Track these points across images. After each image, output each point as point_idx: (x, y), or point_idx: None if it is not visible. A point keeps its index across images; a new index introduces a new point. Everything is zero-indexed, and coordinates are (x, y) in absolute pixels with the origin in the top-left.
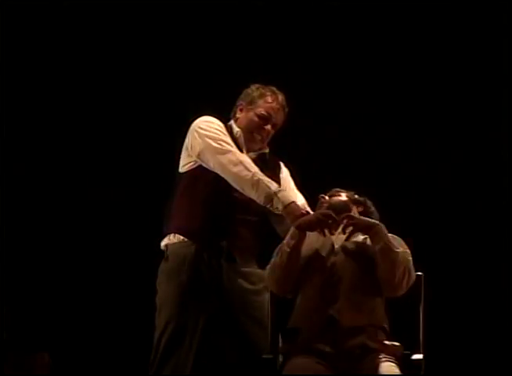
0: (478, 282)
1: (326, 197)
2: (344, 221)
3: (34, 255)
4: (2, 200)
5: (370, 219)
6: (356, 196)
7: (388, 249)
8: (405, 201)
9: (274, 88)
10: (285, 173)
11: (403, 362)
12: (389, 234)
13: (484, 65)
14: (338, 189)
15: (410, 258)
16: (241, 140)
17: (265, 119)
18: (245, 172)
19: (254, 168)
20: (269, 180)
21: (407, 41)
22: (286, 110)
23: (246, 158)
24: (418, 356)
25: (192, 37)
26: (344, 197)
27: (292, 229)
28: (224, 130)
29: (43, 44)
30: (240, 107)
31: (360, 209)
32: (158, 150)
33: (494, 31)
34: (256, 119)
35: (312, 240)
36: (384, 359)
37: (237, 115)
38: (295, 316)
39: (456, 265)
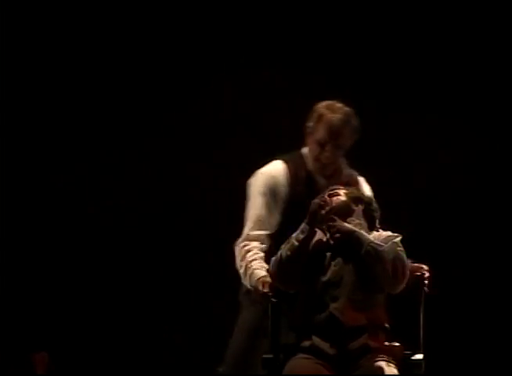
0: (478, 282)
1: (326, 197)
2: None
3: (34, 254)
4: (2, 200)
5: (350, 226)
6: (355, 192)
7: (373, 250)
8: (405, 201)
9: (337, 106)
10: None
11: (403, 362)
12: (388, 232)
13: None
14: (336, 187)
15: (400, 248)
16: (313, 170)
17: (322, 145)
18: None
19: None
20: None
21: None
22: (353, 124)
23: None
24: (418, 356)
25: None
26: (343, 195)
27: (302, 224)
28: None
29: (37, 40)
30: (308, 130)
31: (362, 207)
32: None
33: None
34: (315, 145)
35: (315, 238)
36: (382, 359)
37: (307, 139)
38: (296, 315)
39: (455, 265)
